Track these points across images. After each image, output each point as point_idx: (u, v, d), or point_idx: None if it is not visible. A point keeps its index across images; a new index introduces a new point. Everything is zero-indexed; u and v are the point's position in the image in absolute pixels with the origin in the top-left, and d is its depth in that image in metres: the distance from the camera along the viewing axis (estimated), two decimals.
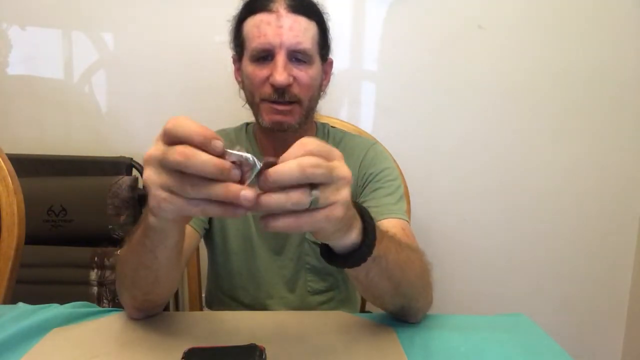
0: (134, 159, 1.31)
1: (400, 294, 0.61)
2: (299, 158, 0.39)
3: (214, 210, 0.40)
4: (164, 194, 0.41)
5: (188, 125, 0.39)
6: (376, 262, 0.52)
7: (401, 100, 1.40)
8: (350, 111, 1.41)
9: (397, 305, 0.64)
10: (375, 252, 0.50)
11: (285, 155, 0.40)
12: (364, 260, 0.50)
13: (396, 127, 1.41)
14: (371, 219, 0.51)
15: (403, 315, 0.66)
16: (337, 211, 0.42)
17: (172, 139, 0.40)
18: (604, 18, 1.38)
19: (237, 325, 0.65)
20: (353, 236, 0.48)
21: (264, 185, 0.39)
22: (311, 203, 0.40)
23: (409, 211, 0.97)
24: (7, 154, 0.89)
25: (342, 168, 0.42)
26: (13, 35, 1.34)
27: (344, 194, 0.42)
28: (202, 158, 0.38)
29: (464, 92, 1.40)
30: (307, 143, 0.40)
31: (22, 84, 1.36)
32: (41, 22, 1.33)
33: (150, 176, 0.42)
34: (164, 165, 0.40)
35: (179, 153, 0.38)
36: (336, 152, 0.43)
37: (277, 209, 0.40)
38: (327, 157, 0.41)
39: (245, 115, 0.91)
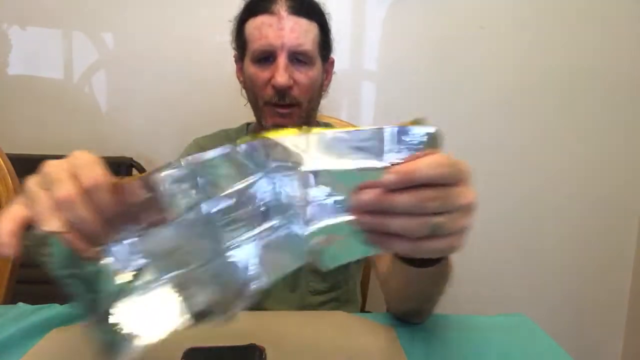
0: (134, 159, 1.31)
1: (428, 299, 0.61)
2: (418, 192, 0.35)
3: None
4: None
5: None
6: (439, 267, 0.51)
7: (401, 100, 1.40)
8: (350, 111, 1.41)
9: (415, 309, 0.64)
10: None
11: (403, 170, 0.35)
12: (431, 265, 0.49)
13: None
14: None
15: (410, 316, 0.66)
16: (458, 243, 0.38)
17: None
18: (605, 18, 1.37)
19: (237, 325, 0.65)
20: None
21: (366, 200, 0.36)
22: (432, 230, 0.36)
23: None
24: (7, 154, 0.89)
25: (464, 195, 0.37)
26: (13, 35, 1.34)
27: (463, 222, 0.38)
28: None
29: (465, 92, 1.40)
30: (427, 166, 0.35)
31: (22, 84, 1.36)
32: (41, 22, 1.33)
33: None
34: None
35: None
36: (463, 173, 0.37)
37: (388, 230, 0.37)
38: (450, 182, 0.36)
39: (246, 115, 0.91)
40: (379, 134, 0.37)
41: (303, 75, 0.78)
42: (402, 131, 0.37)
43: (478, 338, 0.62)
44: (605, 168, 1.46)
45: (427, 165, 0.35)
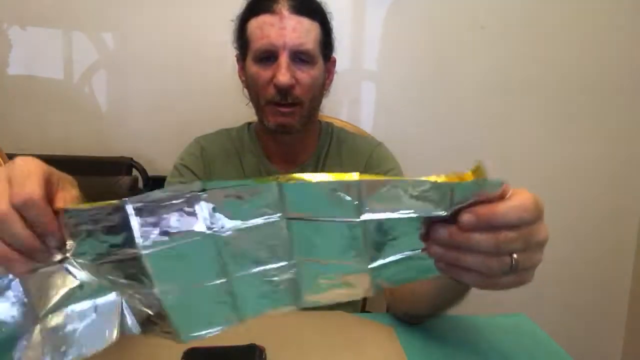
0: (134, 159, 1.31)
1: (444, 308, 0.61)
2: (499, 234, 0.35)
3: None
4: None
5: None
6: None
7: (401, 100, 1.40)
8: (350, 111, 1.41)
9: (427, 315, 0.65)
10: None
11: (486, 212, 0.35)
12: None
13: (396, 127, 1.40)
14: None
15: (414, 318, 0.66)
16: (529, 277, 0.39)
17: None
18: (606, 18, 1.37)
19: (237, 326, 0.65)
20: None
21: (442, 236, 0.36)
22: (510, 268, 0.37)
23: None
24: (7, 154, 0.89)
25: (540, 231, 0.37)
26: (13, 35, 1.34)
27: (537, 257, 0.38)
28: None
29: (465, 92, 1.40)
30: (508, 211, 0.35)
31: (22, 84, 1.36)
32: (41, 22, 1.33)
33: None
34: None
35: None
36: (541, 212, 0.37)
37: (463, 266, 0.37)
38: (530, 222, 0.37)
39: (246, 115, 0.91)
40: (440, 188, 0.35)
41: (305, 75, 0.78)
42: (465, 187, 0.35)
43: (478, 338, 0.62)
44: (605, 168, 1.46)
45: (507, 210, 0.35)
